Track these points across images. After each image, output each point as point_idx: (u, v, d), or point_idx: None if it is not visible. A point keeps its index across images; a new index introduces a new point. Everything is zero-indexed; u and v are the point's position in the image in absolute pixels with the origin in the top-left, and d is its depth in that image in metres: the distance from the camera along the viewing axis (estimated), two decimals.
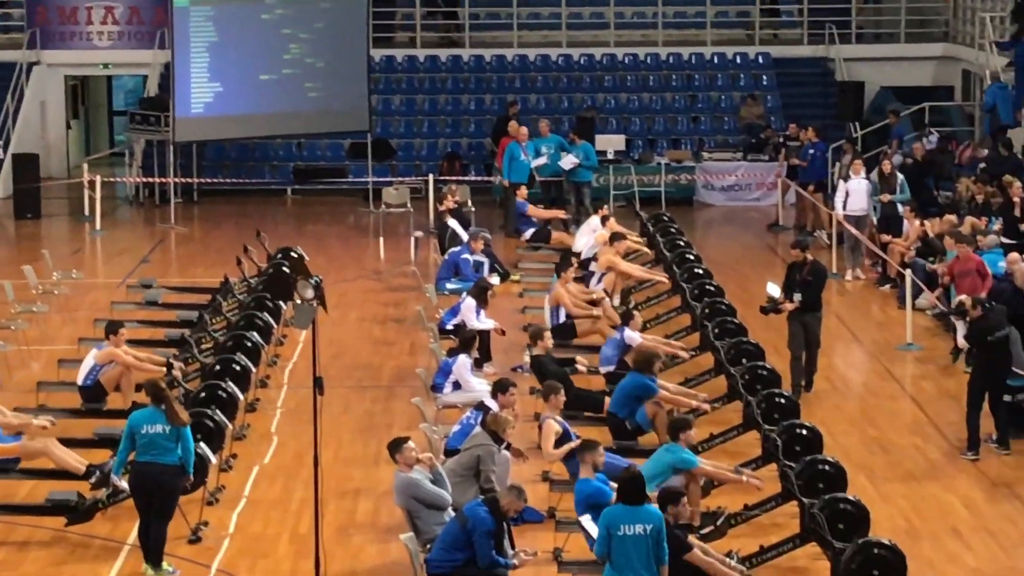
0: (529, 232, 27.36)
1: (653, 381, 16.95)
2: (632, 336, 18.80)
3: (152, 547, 13.86)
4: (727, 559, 13.22)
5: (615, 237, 23.58)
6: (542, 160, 29.61)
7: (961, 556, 14.61)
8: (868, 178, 26.12)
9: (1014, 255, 20.16)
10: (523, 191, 27.85)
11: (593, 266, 23.07)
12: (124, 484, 14.49)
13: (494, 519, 12.80)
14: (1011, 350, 17.24)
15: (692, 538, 13.05)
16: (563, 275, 21.30)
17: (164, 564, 13.94)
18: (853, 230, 25.62)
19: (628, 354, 18.54)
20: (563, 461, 15.64)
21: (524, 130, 29.66)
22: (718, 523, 14.36)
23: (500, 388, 16.05)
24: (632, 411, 16.81)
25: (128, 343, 18.53)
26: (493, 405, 15.86)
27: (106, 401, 18.08)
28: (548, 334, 18.44)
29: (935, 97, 34.47)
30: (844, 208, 25.94)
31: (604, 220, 25.11)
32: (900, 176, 26.06)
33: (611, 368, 18.73)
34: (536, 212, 27.52)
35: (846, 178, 26.39)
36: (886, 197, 25.50)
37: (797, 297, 19.13)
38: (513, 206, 28.37)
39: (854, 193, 25.84)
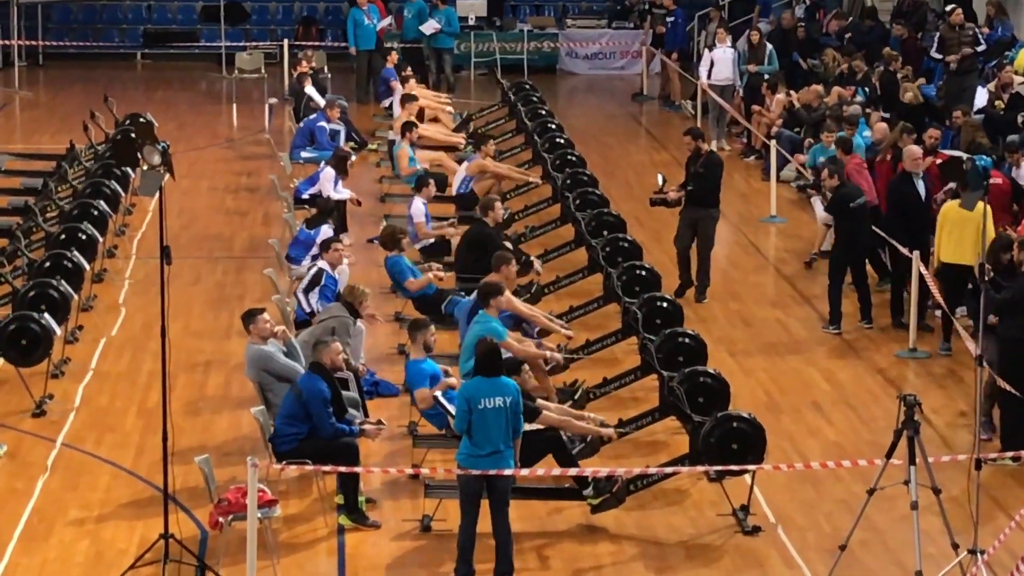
0: (388, 101, 26.74)
1: (400, 259, 16.54)
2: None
3: None
4: (585, 414, 13.21)
5: (406, 99, 23.18)
6: (387, 21, 29.05)
7: (821, 430, 14.58)
8: (734, 47, 25.84)
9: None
10: (393, 56, 27.15)
11: (392, 135, 22.53)
12: None
13: (329, 385, 12.48)
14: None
15: (540, 401, 12.91)
16: (483, 148, 20.71)
17: None
18: (719, 99, 25.37)
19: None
20: None
21: None
22: (575, 396, 14.25)
23: (324, 247, 15.96)
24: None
25: None
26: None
27: None
28: (499, 205, 17.84)
29: None
30: (709, 77, 25.68)
31: (404, 81, 24.70)
32: (769, 46, 25.79)
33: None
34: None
35: (711, 47, 26.15)
36: (753, 67, 25.28)
37: (688, 188, 17.87)
38: (366, 73, 27.76)
39: (719, 62, 25.57)
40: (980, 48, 23.83)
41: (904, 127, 18.79)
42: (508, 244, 17.51)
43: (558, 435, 12.64)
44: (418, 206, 18.44)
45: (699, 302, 17.77)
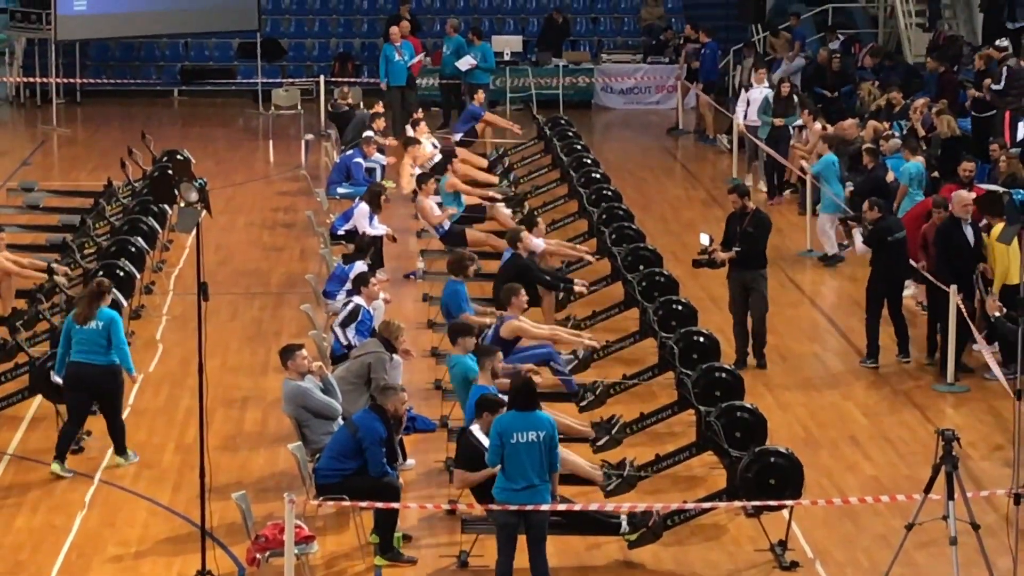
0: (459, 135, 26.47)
1: (462, 285, 16.42)
2: (536, 243, 18.22)
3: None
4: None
5: (409, 142, 22.93)
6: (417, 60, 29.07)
7: (859, 464, 14.51)
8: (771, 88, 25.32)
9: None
10: (480, 95, 26.97)
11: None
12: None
13: (385, 427, 12.52)
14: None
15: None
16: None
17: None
18: (757, 140, 24.85)
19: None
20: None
21: (395, 30, 28.96)
22: (613, 431, 14.19)
23: (361, 282, 15.89)
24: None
25: (8, 248, 18.04)
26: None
27: None
28: (526, 235, 17.67)
29: None
30: (745, 118, 25.23)
31: (414, 124, 24.39)
32: (795, 99, 25.22)
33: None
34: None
35: (747, 87, 25.78)
36: (779, 121, 24.31)
37: (735, 249, 16.81)
38: (399, 108, 27.80)
39: (755, 103, 25.05)
40: (996, 87, 23.57)
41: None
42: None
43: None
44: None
45: (762, 368, 16.80)
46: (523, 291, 15.72)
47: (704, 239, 16.97)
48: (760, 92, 25.16)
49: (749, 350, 16.92)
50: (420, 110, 26.12)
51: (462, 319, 15.69)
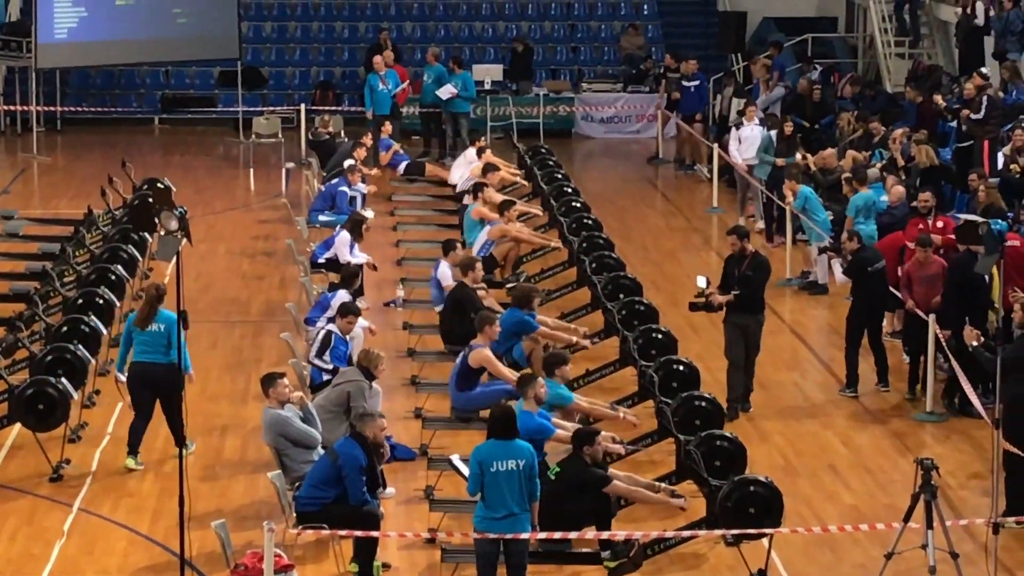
0: (403, 165, 26.84)
1: (532, 317, 16.63)
2: (444, 271, 18.40)
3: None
4: (655, 484, 13.24)
5: (488, 168, 23.19)
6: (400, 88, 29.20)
7: (838, 493, 14.52)
8: (763, 126, 24.89)
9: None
10: (387, 127, 27.24)
11: (467, 200, 22.60)
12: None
13: (366, 455, 12.51)
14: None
15: (612, 469, 13.08)
16: (507, 213, 20.75)
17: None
18: (749, 178, 24.53)
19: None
20: (458, 391, 15.42)
21: (379, 59, 29.05)
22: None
23: (340, 313, 15.97)
24: (510, 347, 16.45)
25: None
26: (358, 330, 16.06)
27: None
28: (479, 265, 17.98)
29: (818, 28, 34.38)
30: (740, 156, 24.77)
31: (480, 152, 24.69)
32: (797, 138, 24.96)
33: (439, 307, 18.24)
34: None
35: (738, 125, 25.41)
36: (782, 162, 23.51)
37: (733, 293, 16.32)
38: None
39: (747, 140, 24.75)
40: (976, 116, 23.63)
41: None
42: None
43: (607, 501, 12.64)
44: (444, 270, 18.49)
45: (745, 411, 16.41)
46: (497, 322, 15.76)
47: (701, 281, 16.42)
48: (751, 130, 24.82)
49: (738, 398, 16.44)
50: (482, 137, 26.25)
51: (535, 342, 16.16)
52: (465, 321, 16.42)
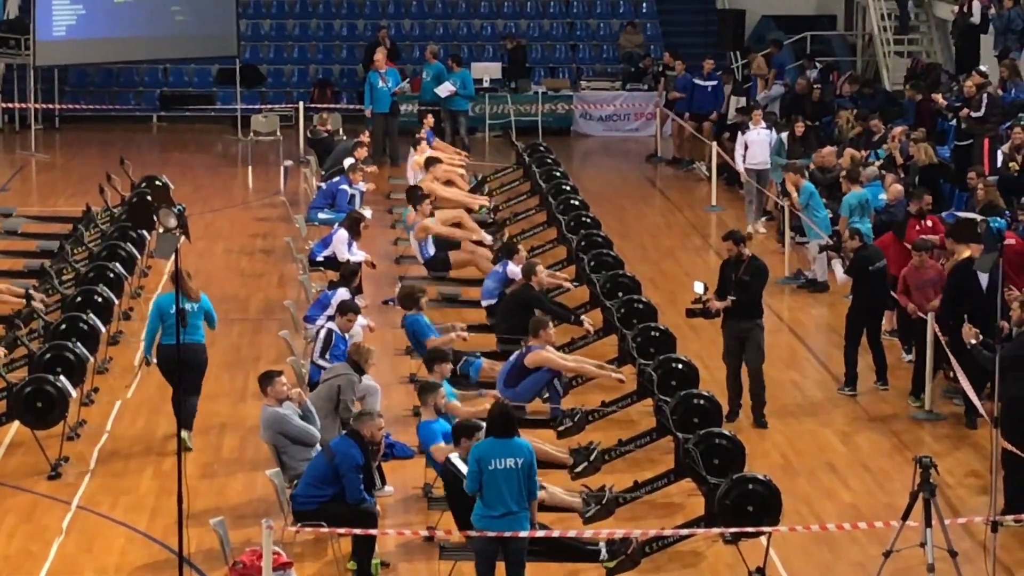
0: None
1: (421, 317, 16.56)
2: (515, 270, 18.30)
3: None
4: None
5: (430, 162, 23.17)
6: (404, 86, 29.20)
7: (837, 491, 14.53)
8: (770, 128, 24.61)
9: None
10: (429, 119, 27.02)
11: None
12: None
13: (363, 453, 12.51)
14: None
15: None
16: (419, 208, 20.81)
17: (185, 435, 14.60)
18: (756, 184, 24.24)
19: (510, 287, 18.13)
20: (506, 387, 15.34)
21: (380, 57, 29.04)
22: (591, 458, 14.18)
23: (342, 309, 15.93)
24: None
25: None
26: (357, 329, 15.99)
27: None
28: (541, 268, 17.97)
29: (817, 26, 34.37)
30: (744, 161, 24.47)
31: (415, 144, 24.72)
32: (812, 137, 24.78)
33: (492, 302, 18.31)
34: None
35: (743, 129, 24.99)
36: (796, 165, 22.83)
37: (730, 298, 16.11)
38: (382, 135, 27.89)
39: (754, 144, 24.36)
40: (976, 114, 23.61)
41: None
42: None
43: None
44: (514, 268, 18.43)
45: (762, 427, 16.05)
46: (551, 324, 15.84)
47: (698, 287, 16.25)
48: (758, 133, 24.45)
49: (743, 401, 16.28)
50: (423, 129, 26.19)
51: (434, 345, 15.80)
52: (522, 322, 16.32)
